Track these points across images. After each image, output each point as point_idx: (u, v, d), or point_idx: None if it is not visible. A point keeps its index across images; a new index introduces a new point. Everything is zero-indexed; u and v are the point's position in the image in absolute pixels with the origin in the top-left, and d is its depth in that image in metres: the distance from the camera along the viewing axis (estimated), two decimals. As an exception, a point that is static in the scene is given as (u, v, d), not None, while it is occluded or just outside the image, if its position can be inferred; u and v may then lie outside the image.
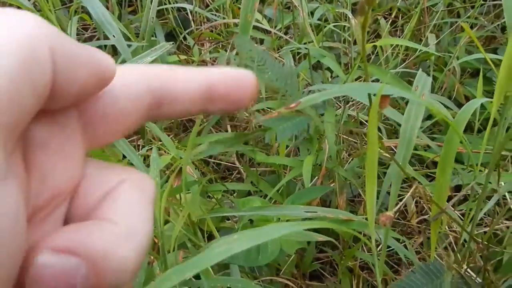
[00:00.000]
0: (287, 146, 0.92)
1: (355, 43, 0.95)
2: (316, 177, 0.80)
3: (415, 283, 0.42)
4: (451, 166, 0.45)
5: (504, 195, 0.72)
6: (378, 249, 0.77)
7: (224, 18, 1.13)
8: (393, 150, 0.75)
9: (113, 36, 0.74)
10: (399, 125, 0.49)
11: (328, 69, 0.97)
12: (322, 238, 0.40)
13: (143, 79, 0.18)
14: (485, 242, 0.58)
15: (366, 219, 0.38)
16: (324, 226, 0.31)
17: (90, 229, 0.16)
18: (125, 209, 0.17)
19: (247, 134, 0.31)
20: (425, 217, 0.87)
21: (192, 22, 1.20)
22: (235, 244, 0.27)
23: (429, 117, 0.98)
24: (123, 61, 0.76)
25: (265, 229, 0.29)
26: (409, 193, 0.38)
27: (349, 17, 0.86)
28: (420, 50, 1.02)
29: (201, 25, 1.18)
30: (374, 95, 0.33)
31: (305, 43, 0.93)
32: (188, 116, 0.20)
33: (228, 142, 0.28)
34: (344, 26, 1.04)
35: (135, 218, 0.17)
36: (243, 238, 0.28)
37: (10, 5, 1.01)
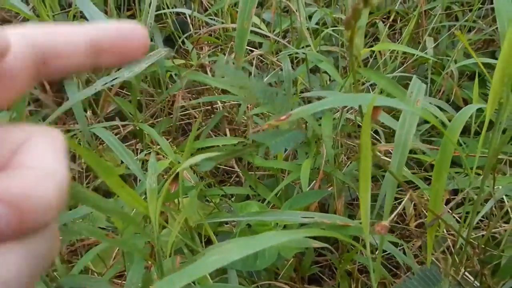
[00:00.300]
0: (286, 150, 0.92)
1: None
2: (314, 181, 0.80)
3: (412, 290, 0.42)
4: (447, 171, 0.45)
5: (502, 198, 0.72)
6: (377, 252, 0.77)
7: (222, 22, 1.14)
8: (391, 153, 0.75)
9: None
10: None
11: (326, 72, 0.97)
12: (317, 244, 0.40)
13: (24, 38, 0.19)
14: (482, 246, 0.58)
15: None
16: (320, 234, 0.31)
17: (7, 175, 0.16)
18: (39, 155, 0.17)
19: (239, 150, 0.32)
20: (424, 220, 0.86)
21: (190, 26, 1.20)
22: (231, 253, 0.27)
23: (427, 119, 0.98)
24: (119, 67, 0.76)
25: (261, 237, 0.29)
26: (403, 201, 0.38)
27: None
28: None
29: (200, 29, 1.18)
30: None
31: (303, 47, 0.93)
32: (83, 71, 0.21)
33: (220, 158, 0.28)
34: (342, 30, 1.04)
35: (50, 160, 0.17)
36: (239, 246, 0.28)
37: (9, 10, 1.02)
